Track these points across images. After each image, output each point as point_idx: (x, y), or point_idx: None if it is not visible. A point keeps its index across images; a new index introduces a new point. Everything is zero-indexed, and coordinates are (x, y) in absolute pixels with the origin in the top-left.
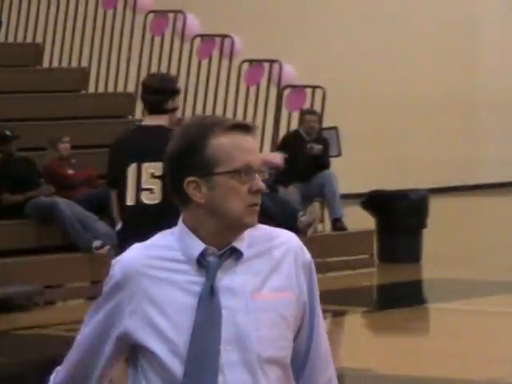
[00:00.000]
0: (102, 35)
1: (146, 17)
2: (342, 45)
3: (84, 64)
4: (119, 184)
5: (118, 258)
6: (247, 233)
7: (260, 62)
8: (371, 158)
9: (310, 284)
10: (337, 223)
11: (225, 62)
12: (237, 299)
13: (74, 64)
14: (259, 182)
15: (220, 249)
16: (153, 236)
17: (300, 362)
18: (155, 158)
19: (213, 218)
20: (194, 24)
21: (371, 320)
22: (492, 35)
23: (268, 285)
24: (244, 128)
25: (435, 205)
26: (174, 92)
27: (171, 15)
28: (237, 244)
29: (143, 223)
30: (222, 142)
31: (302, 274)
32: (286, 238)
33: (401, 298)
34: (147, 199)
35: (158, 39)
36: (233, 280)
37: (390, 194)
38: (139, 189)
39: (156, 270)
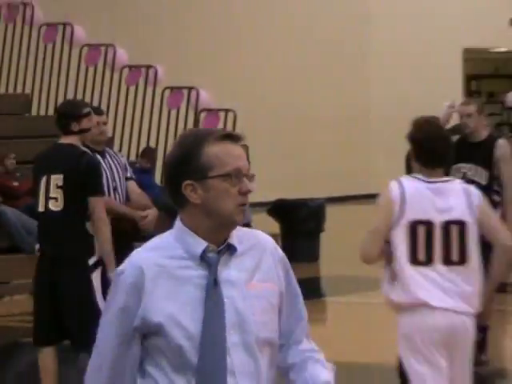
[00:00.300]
0: (43, 65)
1: (80, 50)
2: (251, 73)
3: (27, 91)
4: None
5: (128, 259)
6: (233, 232)
7: (180, 88)
8: (276, 170)
9: (288, 276)
10: (246, 228)
11: (149, 89)
12: (235, 289)
13: (19, 90)
14: (247, 185)
15: (217, 245)
16: (58, 238)
17: (286, 342)
18: (60, 171)
19: (208, 216)
20: (123, 56)
21: None
22: (382, 57)
23: (256, 277)
24: (233, 138)
25: (331, 212)
26: (80, 116)
27: (103, 48)
28: (231, 241)
29: (50, 227)
30: (214, 150)
31: (280, 269)
32: (263, 237)
33: (302, 293)
34: (53, 206)
35: (91, 69)
36: (230, 273)
37: (291, 202)
38: (47, 197)
39: (166, 268)
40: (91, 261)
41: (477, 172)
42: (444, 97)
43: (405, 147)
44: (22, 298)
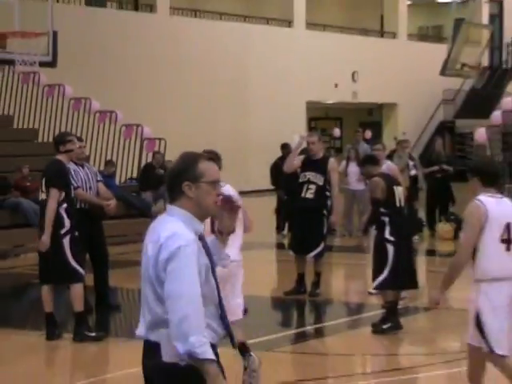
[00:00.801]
0: (46, 110)
1: (69, 101)
2: (176, 115)
3: (36, 126)
4: None
5: (180, 236)
6: None
7: (131, 125)
8: None
9: None
10: None
11: (112, 126)
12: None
13: (31, 126)
14: (220, 189)
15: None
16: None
17: None
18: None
19: (198, 207)
20: (96, 105)
21: None
22: (259, 105)
23: None
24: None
25: None
26: (65, 141)
27: (83, 100)
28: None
29: (40, 212)
30: (205, 166)
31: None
32: None
33: None
34: (44, 197)
35: (76, 113)
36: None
37: None
38: (41, 191)
39: (197, 241)
40: (62, 231)
41: (316, 177)
42: (295, 131)
43: (271, 162)
44: (32, 255)
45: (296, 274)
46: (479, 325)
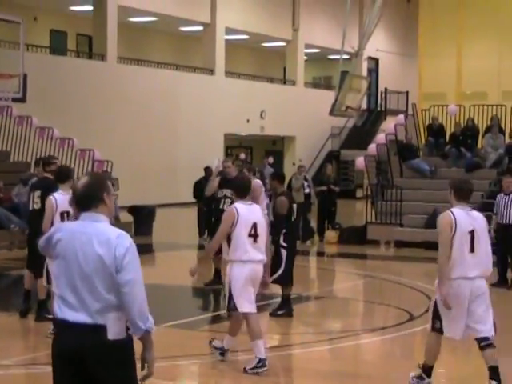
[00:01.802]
0: (17, 136)
1: (35, 130)
2: (121, 142)
3: (8, 149)
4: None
5: (124, 234)
6: None
7: (85, 150)
8: (133, 190)
9: None
10: (116, 219)
11: (70, 150)
12: None
13: (4, 148)
14: None
15: None
16: (36, 221)
17: None
18: (39, 189)
19: (109, 213)
20: (56, 133)
21: None
22: (188, 134)
23: None
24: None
25: (159, 212)
26: (47, 163)
27: (46, 129)
28: None
29: (32, 218)
30: (109, 183)
31: None
32: None
33: (144, 251)
34: (35, 206)
35: (41, 139)
36: None
37: (139, 206)
38: (33, 202)
39: None
40: None
41: (231, 193)
42: (215, 156)
43: (194, 180)
44: (3, 252)
45: (214, 269)
46: (230, 290)
